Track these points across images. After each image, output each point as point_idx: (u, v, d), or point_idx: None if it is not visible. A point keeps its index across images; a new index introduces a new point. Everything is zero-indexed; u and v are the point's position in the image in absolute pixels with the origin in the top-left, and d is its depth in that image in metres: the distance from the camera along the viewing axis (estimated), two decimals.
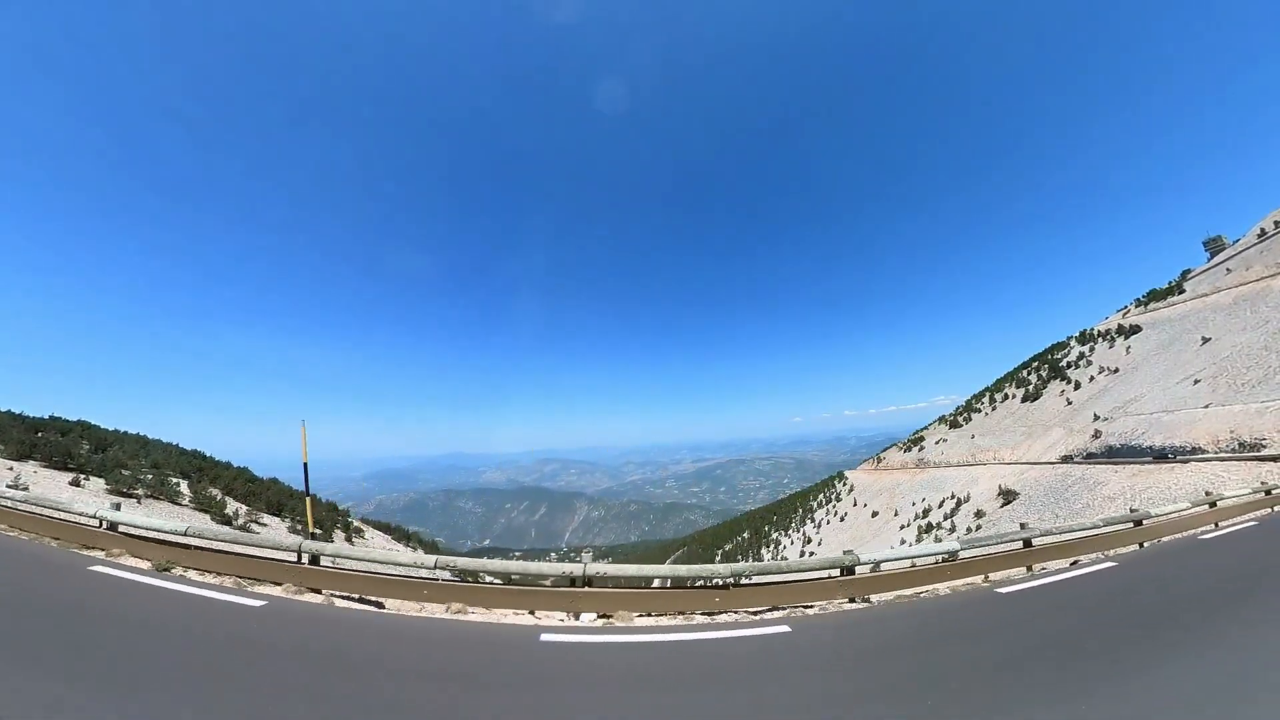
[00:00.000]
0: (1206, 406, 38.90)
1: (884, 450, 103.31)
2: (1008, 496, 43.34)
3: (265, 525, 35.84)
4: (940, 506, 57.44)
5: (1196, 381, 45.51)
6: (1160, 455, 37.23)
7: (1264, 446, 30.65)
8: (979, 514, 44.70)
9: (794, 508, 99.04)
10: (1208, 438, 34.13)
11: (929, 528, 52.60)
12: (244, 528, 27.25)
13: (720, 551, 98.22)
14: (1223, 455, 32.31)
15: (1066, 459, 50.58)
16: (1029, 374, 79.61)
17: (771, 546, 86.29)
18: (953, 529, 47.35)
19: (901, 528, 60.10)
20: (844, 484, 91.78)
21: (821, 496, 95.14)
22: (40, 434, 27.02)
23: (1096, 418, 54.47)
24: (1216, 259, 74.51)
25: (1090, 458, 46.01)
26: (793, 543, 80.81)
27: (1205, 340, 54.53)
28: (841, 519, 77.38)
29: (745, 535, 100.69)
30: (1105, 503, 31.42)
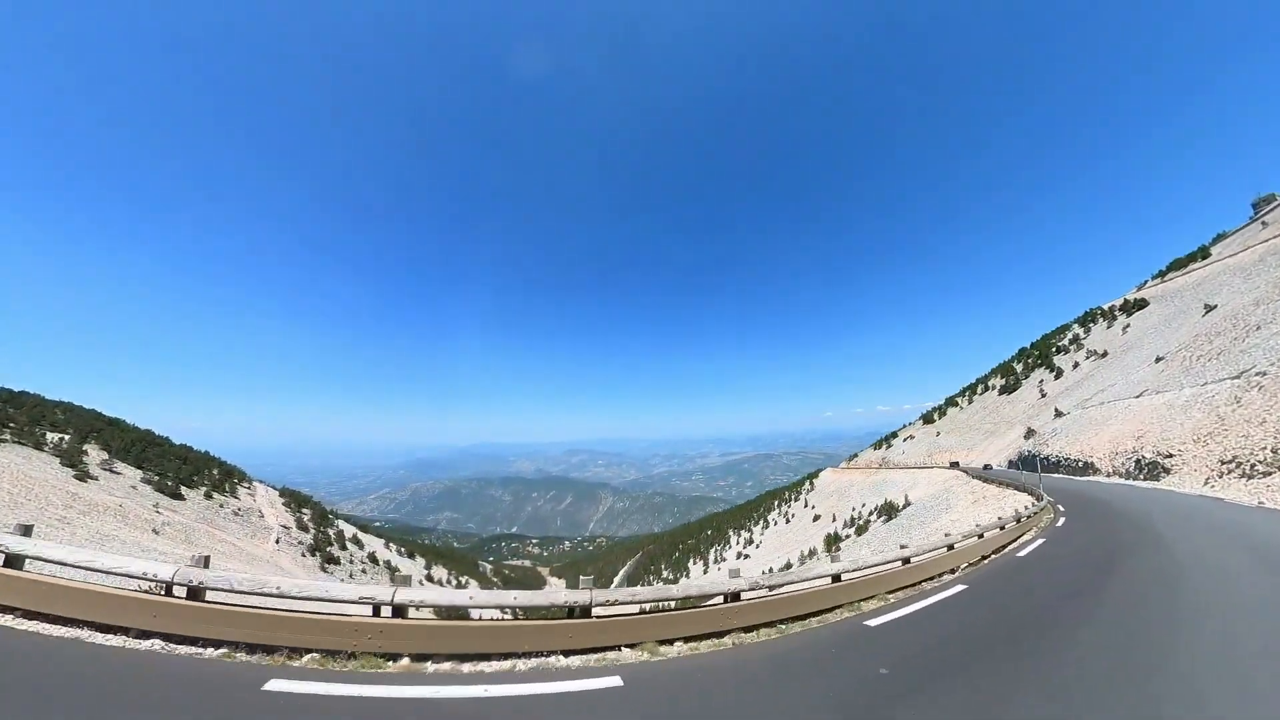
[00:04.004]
0: (1139, 396, 29.77)
1: (866, 449, 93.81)
2: (890, 512, 35.92)
3: (119, 474, 37.93)
4: (873, 513, 50.07)
5: (1158, 359, 35.68)
6: (1049, 469, 28.78)
7: (1167, 468, 22.24)
8: (860, 530, 37.50)
9: (755, 507, 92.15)
10: (1108, 448, 25.74)
11: (835, 538, 45.73)
12: (85, 470, 32.86)
13: (679, 548, 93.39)
14: (1113, 475, 24.07)
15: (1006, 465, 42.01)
16: (1018, 363, 68.17)
17: (720, 546, 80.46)
18: (818, 552, 40.40)
19: (825, 536, 53.08)
20: (810, 484, 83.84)
21: (788, 494, 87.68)
22: None
23: (1058, 413, 45.12)
24: (1257, 216, 59.65)
25: (1010, 466, 37.42)
26: (740, 544, 74.66)
27: (1209, 308, 43.41)
28: (788, 521, 70.34)
29: (709, 532, 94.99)
30: (927, 537, 24.34)
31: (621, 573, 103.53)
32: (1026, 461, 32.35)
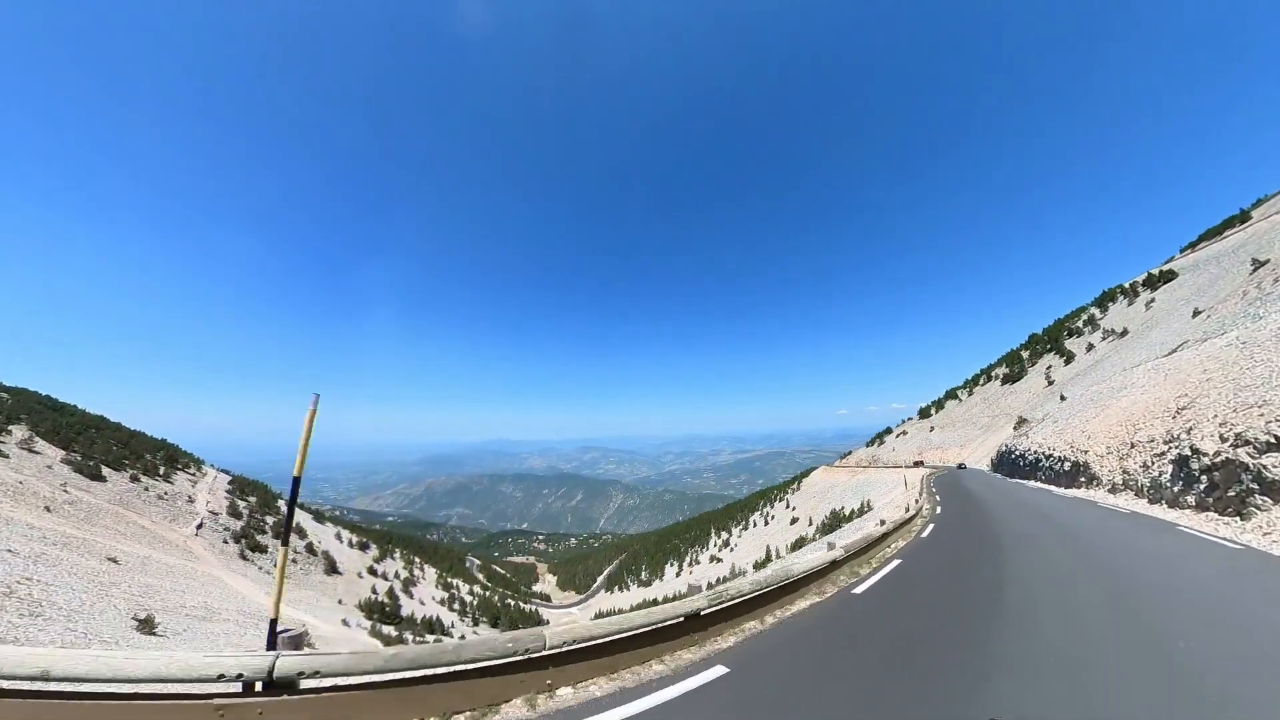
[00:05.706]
0: (1171, 353, 23.00)
1: (860, 446, 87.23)
2: (837, 521, 30.53)
3: (38, 453, 36.81)
4: (839, 519, 44.61)
5: (1196, 313, 29.28)
6: (1027, 472, 22.70)
7: (1267, 481, 10.98)
8: (824, 533, 32.20)
9: (742, 507, 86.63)
10: (1115, 434, 17.63)
11: (799, 543, 40.50)
12: None
13: (663, 548, 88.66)
14: (1123, 490, 16.52)
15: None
16: (1025, 350, 60.98)
17: (698, 548, 75.34)
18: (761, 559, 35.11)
19: (767, 547, 47.91)
20: (798, 484, 78.01)
21: (775, 494, 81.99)
22: None
23: (1063, 399, 38.87)
24: None
25: (991, 466, 31.50)
26: (714, 546, 69.51)
27: (1259, 263, 36.50)
28: (767, 523, 64.90)
29: (694, 533, 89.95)
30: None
31: (606, 573, 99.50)
32: (1004, 461, 26.40)
